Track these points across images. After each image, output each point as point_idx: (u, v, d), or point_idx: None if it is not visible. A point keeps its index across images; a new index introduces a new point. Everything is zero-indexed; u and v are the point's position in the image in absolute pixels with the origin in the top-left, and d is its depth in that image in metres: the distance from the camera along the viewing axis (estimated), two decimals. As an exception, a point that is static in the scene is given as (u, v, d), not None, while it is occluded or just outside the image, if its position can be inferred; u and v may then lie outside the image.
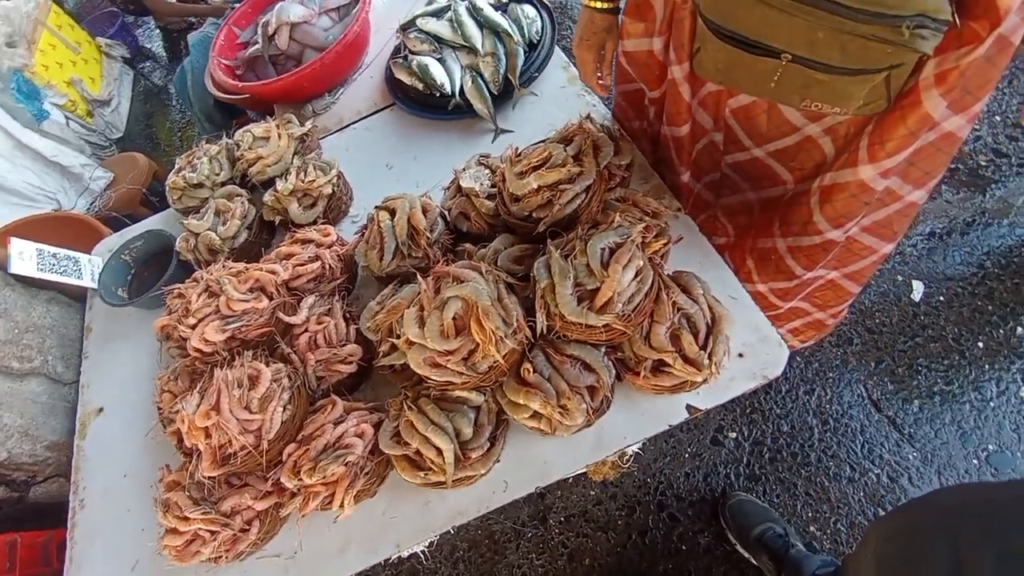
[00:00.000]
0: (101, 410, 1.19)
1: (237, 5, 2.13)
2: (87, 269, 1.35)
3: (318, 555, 0.91)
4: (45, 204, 2.23)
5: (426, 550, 1.25)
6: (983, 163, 1.72)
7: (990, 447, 1.35)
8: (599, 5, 0.95)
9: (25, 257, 1.26)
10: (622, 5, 0.99)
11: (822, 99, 0.73)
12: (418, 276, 0.86)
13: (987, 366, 1.44)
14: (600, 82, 1.08)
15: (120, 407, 1.19)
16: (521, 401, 0.82)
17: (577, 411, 0.81)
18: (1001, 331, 1.48)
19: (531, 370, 0.84)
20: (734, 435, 1.48)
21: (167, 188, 1.33)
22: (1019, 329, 1.47)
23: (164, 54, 3.50)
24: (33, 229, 1.43)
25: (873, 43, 0.61)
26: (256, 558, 0.93)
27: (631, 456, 1.39)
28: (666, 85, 0.99)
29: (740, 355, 0.91)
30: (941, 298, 1.55)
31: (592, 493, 1.49)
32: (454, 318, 0.79)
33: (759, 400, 1.51)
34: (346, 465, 0.85)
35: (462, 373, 0.80)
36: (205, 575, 0.93)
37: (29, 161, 2.24)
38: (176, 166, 1.36)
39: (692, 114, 1.00)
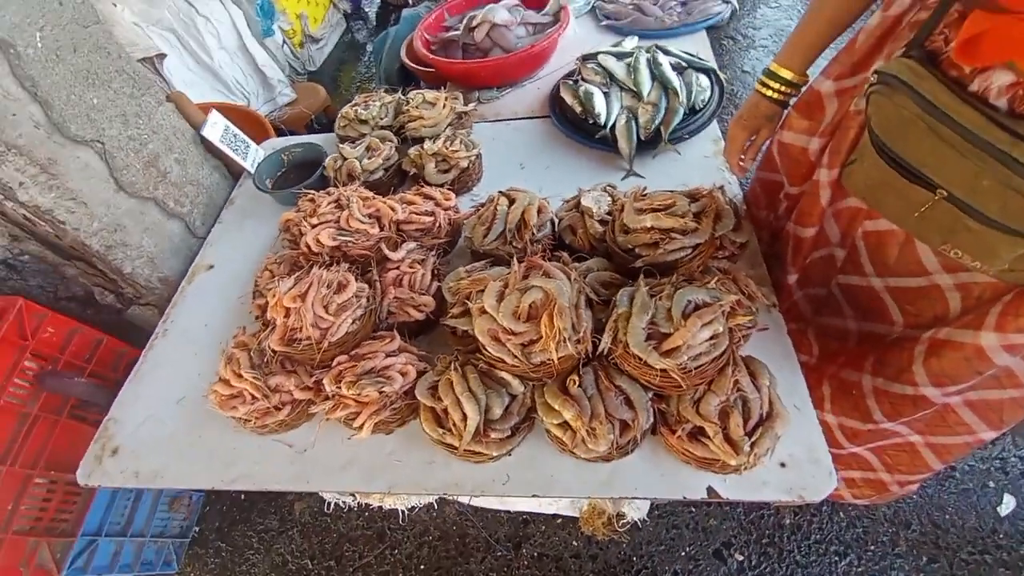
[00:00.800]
0: (212, 267, 1.38)
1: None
2: (251, 155, 1.59)
3: (323, 461, 0.98)
4: (239, 98, 2.64)
5: (406, 511, 1.29)
6: None
7: None
8: (769, 93, 0.98)
9: (216, 127, 1.51)
10: (791, 101, 1.01)
11: (965, 248, 0.70)
12: (513, 259, 0.92)
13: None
14: (741, 163, 1.10)
15: (227, 269, 1.36)
16: (557, 407, 0.85)
17: (603, 438, 0.82)
18: (1098, 597, 1.25)
19: (577, 383, 0.86)
20: (741, 558, 1.37)
21: (338, 115, 1.54)
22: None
23: (375, 20, 4.01)
24: (228, 112, 1.70)
25: None
26: (273, 439, 1.02)
27: (629, 524, 1.34)
28: (808, 185, 0.99)
29: (782, 464, 0.87)
30: (1033, 527, 1.35)
31: (575, 544, 1.44)
32: (531, 305, 0.84)
33: (782, 536, 1.39)
34: (380, 393, 0.92)
35: (516, 356, 0.84)
36: (231, 431, 1.03)
37: (244, 63, 2.66)
38: (353, 101, 1.56)
39: (822, 221, 0.99)
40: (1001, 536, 1.34)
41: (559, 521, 1.47)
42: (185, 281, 1.36)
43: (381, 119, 1.50)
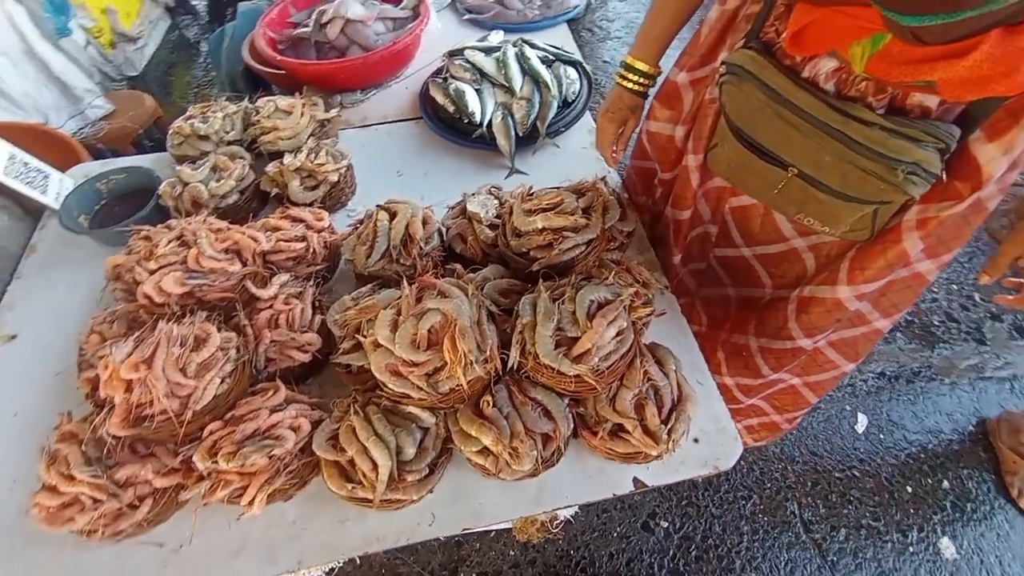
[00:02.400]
0: (14, 337, 1.09)
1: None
2: (54, 188, 1.28)
3: (207, 554, 0.82)
4: (34, 115, 2.13)
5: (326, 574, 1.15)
6: (936, 322, 1.86)
7: (905, 593, 1.36)
8: (629, 85, 1.01)
9: (-6, 157, 1.18)
10: (651, 92, 1.06)
11: (815, 216, 0.78)
12: (403, 281, 0.84)
13: (912, 511, 1.48)
14: (613, 154, 1.13)
15: (35, 338, 1.08)
16: (473, 433, 0.79)
17: (527, 456, 0.78)
18: (929, 480, 1.53)
19: (491, 403, 0.81)
20: (666, 524, 1.46)
21: (170, 131, 1.30)
22: (945, 483, 1.53)
23: (207, 14, 3.51)
24: (13, 134, 1.35)
25: (870, 177, 0.66)
26: (136, 542, 0.83)
27: (562, 522, 1.34)
28: (678, 170, 1.04)
29: (695, 440, 0.91)
30: (882, 436, 1.61)
31: (511, 554, 1.41)
32: (429, 331, 0.77)
33: (697, 494, 1.50)
34: (270, 458, 0.79)
35: (421, 388, 0.77)
36: (70, 547, 0.82)
37: (33, 71, 2.16)
38: (187, 113, 1.33)
39: (695, 202, 1.06)
40: (861, 451, 1.58)
41: (492, 535, 1.43)
42: (-23, 360, 1.05)
43: (227, 133, 1.30)
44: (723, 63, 0.78)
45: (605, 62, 2.89)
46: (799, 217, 0.80)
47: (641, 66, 0.97)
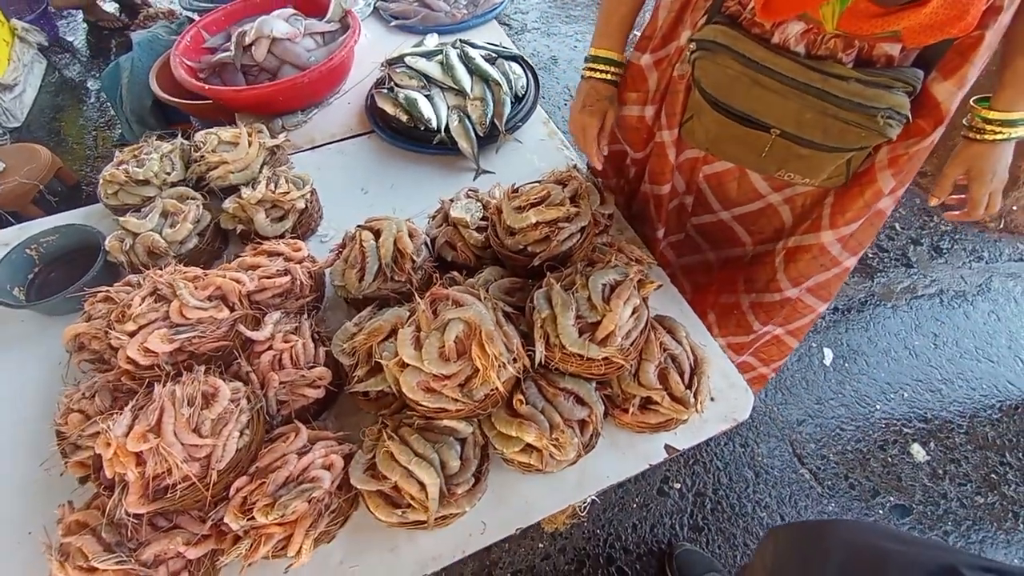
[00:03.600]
0: (-35, 435, 0.95)
1: (192, 12, 2.05)
2: (-28, 263, 1.13)
3: (257, 614, 0.77)
4: (-95, 187, 1.85)
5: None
6: (870, 255, 2.06)
7: (891, 498, 1.51)
8: (604, 76, 1.00)
9: None
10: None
11: (796, 170, 0.85)
12: (415, 297, 0.82)
13: (884, 426, 1.65)
14: (599, 151, 1.06)
15: (-7, 432, 0.96)
16: (514, 433, 0.79)
17: (570, 445, 0.80)
18: (892, 396, 1.71)
19: (523, 401, 0.82)
20: (678, 486, 1.53)
21: (101, 181, 1.18)
22: (905, 395, 1.72)
23: (87, 49, 3.19)
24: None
25: (851, 127, 0.73)
26: (171, 622, 0.76)
27: (588, 504, 1.37)
28: (652, 147, 1.08)
29: (712, 399, 0.96)
30: (847, 364, 1.77)
31: (540, 546, 1.43)
32: (455, 341, 0.76)
33: (700, 451, 1.59)
34: (310, 502, 0.75)
35: (457, 400, 0.76)
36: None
37: None
38: (116, 159, 1.21)
39: (672, 176, 1.11)
40: (833, 381, 1.73)
41: (518, 532, 1.43)
42: (-76, 471, 0.91)
43: (167, 174, 1.20)
44: (692, 40, 0.82)
45: (531, 54, 2.94)
46: (780, 174, 0.86)
47: (611, 55, 0.98)
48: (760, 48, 0.74)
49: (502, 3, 1.87)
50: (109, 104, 2.46)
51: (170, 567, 0.73)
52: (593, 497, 1.38)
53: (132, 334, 0.82)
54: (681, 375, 0.87)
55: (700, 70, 0.82)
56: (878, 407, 1.68)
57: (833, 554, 0.66)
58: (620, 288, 0.83)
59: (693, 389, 0.86)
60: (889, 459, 1.57)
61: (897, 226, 2.16)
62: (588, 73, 1.01)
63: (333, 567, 0.81)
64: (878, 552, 0.64)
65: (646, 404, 0.87)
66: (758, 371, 1.33)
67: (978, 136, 0.79)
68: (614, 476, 0.89)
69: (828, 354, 1.79)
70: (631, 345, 0.81)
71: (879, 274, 2.01)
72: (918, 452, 1.58)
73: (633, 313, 0.83)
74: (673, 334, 0.92)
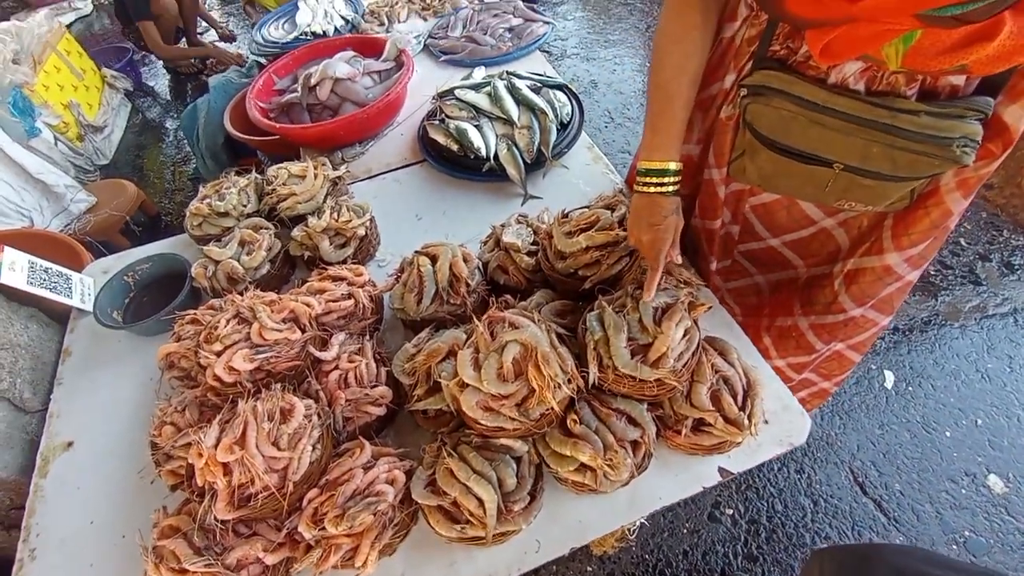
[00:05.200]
0: (70, 444, 1.06)
1: (260, 58, 2.24)
2: (77, 288, 1.27)
3: (325, 621, 0.81)
4: (16, 220, 2.10)
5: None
6: (932, 272, 1.96)
7: (967, 533, 1.41)
8: (669, 190, 0.89)
9: (16, 268, 1.17)
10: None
11: (858, 199, 0.85)
12: (474, 319, 0.87)
13: (955, 455, 1.55)
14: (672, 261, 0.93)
15: (93, 442, 1.06)
16: (568, 452, 0.82)
17: (623, 465, 0.81)
18: (964, 423, 1.61)
19: (577, 421, 0.84)
20: (731, 512, 1.48)
21: (188, 214, 1.30)
22: (978, 421, 1.61)
23: (167, 93, 3.53)
24: (19, 241, 1.34)
25: (923, 157, 0.73)
26: (249, 624, 0.81)
27: (636, 528, 1.36)
28: (701, 183, 1.10)
29: (766, 422, 0.95)
30: (910, 388, 1.69)
31: (589, 569, 1.42)
32: (512, 362, 0.80)
33: (753, 477, 1.54)
34: (375, 514, 0.80)
35: (514, 419, 0.79)
36: (183, 644, 0.80)
37: (11, 176, 2.13)
38: (200, 194, 1.34)
39: (722, 210, 1.12)
40: (895, 406, 1.65)
41: (567, 555, 1.43)
42: (37, 475, 1.02)
43: (244, 206, 1.31)
44: (742, 86, 0.84)
45: (572, 80, 3.01)
46: (840, 203, 0.86)
47: (675, 166, 0.89)
48: (818, 89, 0.75)
49: (545, 34, 1.95)
50: (185, 142, 2.70)
51: (250, 572, 0.79)
52: (642, 521, 1.37)
53: (219, 354, 0.91)
54: (734, 397, 0.87)
55: (752, 113, 0.84)
56: (947, 434, 1.58)
57: None
58: (671, 310, 0.85)
59: (747, 411, 0.86)
60: (962, 490, 1.47)
61: (962, 241, 2.05)
62: (650, 189, 0.90)
63: (395, 579, 0.85)
64: None
65: (699, 426, 0.87)
66: (819, 386, 1.29)
67: None
68: (667, 498, 0.89)
69: (889, 377, 1.71)
70: (683, 367, 0.83)
71: (943, 292, 1.91)
72: (996, 483, 1.47)
73: (685, 335, 0.84)
74: (725, 356, 0.92)
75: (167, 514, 0.83)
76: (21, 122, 2.33)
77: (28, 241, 1.77)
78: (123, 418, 1.08)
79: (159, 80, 3.62)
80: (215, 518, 0.76)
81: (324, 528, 0.78)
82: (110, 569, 0.90)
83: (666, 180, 0.89)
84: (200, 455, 0.78)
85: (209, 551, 0.77)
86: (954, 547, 1.39)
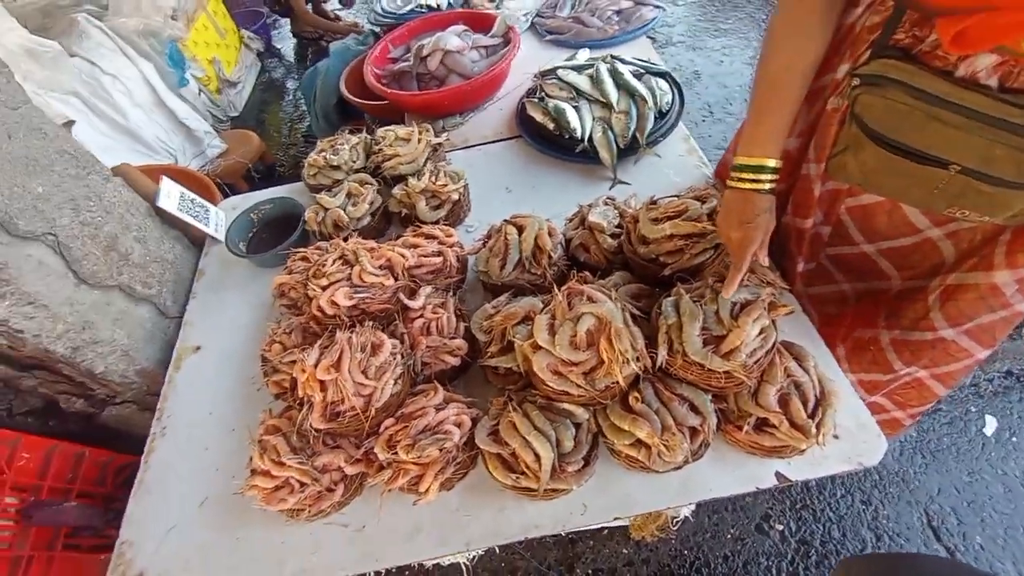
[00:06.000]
0: (199, 348, 1.26)
1: (376, 27, 2.38)
2: (213, 219, 1.47)
3: (388, 534, 0.92)
4: (165, 157, 2.43)
5: (468, 564, 1.24)
6: (1066, 316, 1.73)
7: (1055, 606, 1.28)
8: (766, 187, 0.86)
9: (171, 196, 1.38)
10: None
11: (974, 207, 0.78)
12: (554, 288, 0.92)
13: (1055, 520, 1.39)
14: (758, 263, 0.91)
15: (216, 349, 1.25)
16: (626, 427, 0.85)
17: (679, 448, 0.83)
18: (1073, 487, 1.43)
19: (639, 399, 0.87)
20: (781, 527, 1.44)
21: (306, 164, 1.46)
22: (1093, 490, 1.43)
23: (291, 56, 3.85)
24: (173, 175, 1.57)
25: None
26: (324, 523, 0.94)
27: (680, 520, 1.37)
28: (797, 180, 1.05)
29: (836, 436, 0.92)
30: (1014, 439, 1.52)
31: (625, 552, 1.45)
32: (585, 332, 0.84)
33: (811, 497, 1.48)
34: (441, 451, 0.88)
35: (580, 386, 0.84)
36: (272, 525, 0.95)
37: (163, 118, 2.46)
38: (318, 147, 1.49)
39: (815, 209, 1.06)
40: (991, 455, 1.50)
41: (605, 533, 1.47)
42: (172, 369, 1.23)
43: (354, 162, 1.44)
44: (855, 75, 0.80)
45: (674, 69, 2.91)
46: (951, 211, 0.80)
47: (773, 163, 0.86)
48: (942, 82, 0.70)
49: (654, 19, 1.91)
50: (303, 101, 2.95)
51: (332, 477, 0.91)
52: (687, 515, 1.38)
53: (324, 288, 1.03)
54: (804, 403, 0.86)
55: (862, 105, 0.79)
56: (1050, 495, 1.42)
57: None
58: (751, 307, 0.84)
59: (816, 420, 0.84)
60: (1057, 557, 1.33)
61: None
62: (746, 185, 0.87)
63: (451, 511, 0.93)
64: None
65: (762, 426, 0.87)
66: (892, 415, 1.21)
67: None
68: (717, 490, 0.90)
69: (991, 423, 1.55)
70: (755, 363, 0.83)
71: (1077, 340, 1.68)
72: (1101, 557, 1.31)
73: (761, 333, 0.84)
74: (801, 362, 0.90)
75: (272, 415, 0.97)
76: (175, 72, 2.66)
77: (176, 175, 2.05)
78: (241, 333, 1.26)
79: (285, 43, 3.95)
80: (311, 425, 0.88)
81: (396, 453, 0.88)
82: (221, 453, 1.07)
83: (763, 177, 0.86)
84: (303, 371, 0.90)
85: (302, 452, 0.90)
86: (1036, 616, 1.27)
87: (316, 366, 0.90)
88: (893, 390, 1.16)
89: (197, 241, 1.51)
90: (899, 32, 0.76)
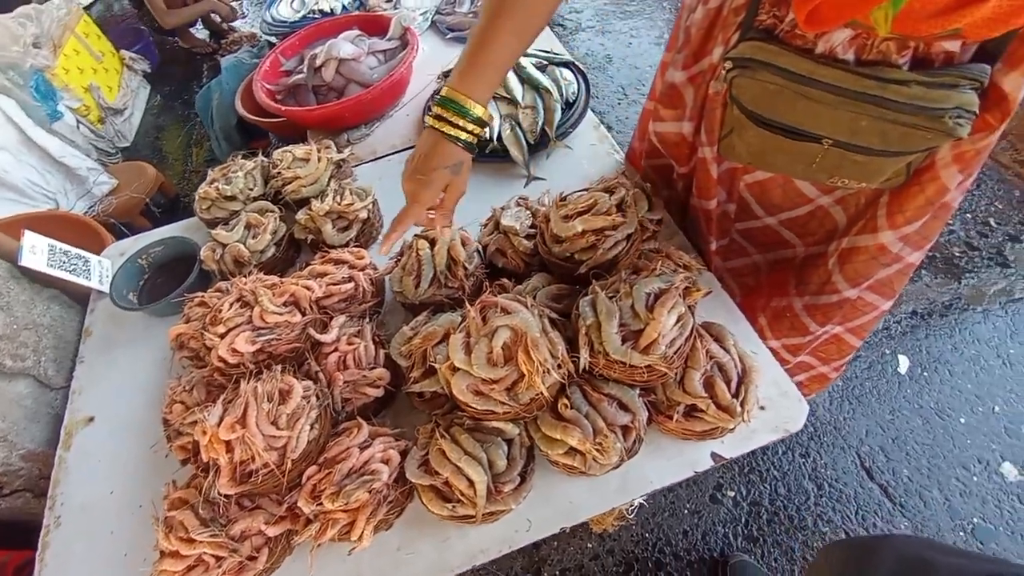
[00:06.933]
0: (91, 419, 1.12)
1: (272, 37, 2.23)
2: (96, 270, 1.32)
3: (325, 589, 0.86)
4: (42, 203, 2.18)
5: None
6: (957, 254, 1.89)
7: (975, 520, 1.39)
8: (465, 136, 0.77)
9: (37, 251, 1.22)
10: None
11: (851, 176, 0.81)
12: (466, 304, 0.87)
13: (969, 441, 1.51)
14: (430, 220, 0.84)
15: (112, 417, 1.12)
16: (558, 436, 0.83)
17: (613, 450, 0.82)
18: (980, 409, 1.56)
19: (568, 405, 0.85)
20: (732, 494, 1.49)
21: (197, 198, 1.33)
22: (996, 408, 1.56)
23: (184, 74, 3.56)
24: (39, 224, 1.39)
25: (915, 131, 0.69)
26: (255, 590, 0.86)
27: (635, 507, 1.38)
28: (695, 163, 1.07)
29: (762, 408, 0.95)
30: (925, 373, 1.64)
31: (589, 546, 1.45)
32: (502, 347, 0.81)
33: (756, 460, 1.54)
34: (370, 492, 0.82)
35: (503, 403, 0.80)
36: (195, 606, 0.86)
37: (35, 159, 2.20)
38: (209, 177, 1.37)
39: (716, 189, 1.09)
40: (908, 391, 1.61)
41: (568, 531, 1.46)
42: (61, 447, 1.09)
43: (250, 190, 1.33)
44: (727, 59, 0.81)
45: (586, 54, 2.93)
46: (832, 181, 0.83)
47: (479, 111, 0.76)
48: (804, 60, 0.72)
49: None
50: (202, 123, 2.74)
51: (253, 543, 0.83)
52: (641, 501, 1.39)
53: (222, 336, 0.94)
54: (728, 383, 0.86)
55: (737, 88, 0.80)
56: (962, 420, 1.54)
57: (883, 565, 0.65)
58: (664, 296, 0.84)
59: (740, 398, 0.85)
60: (974, 477, 1.45)
61: (992, 221, 1.96)
62: (436, 124, 0.76)
63: (391, 553, 0.88)
64: (927, 563, 0.62)
65: (691, 412, 0.87)
66: (818, 370, 1.27)
67: None
68: (658, 481, 0.90)
69: (904, 362, 1.67)
70: (675, 353, 0.82)
71: (968, 275, 1.84)
72: (1009, 471, 1.44)
73: (678, 321, 0.83)
74: (721, 342, 0.91)
75: (176, 487, 0.87)
76: (43, 106, 2.39)
77: (53, 224, 1.85)
78: (139, 395, 1.14)
79: (176, 61, 3.65)
80: (218, 492, 0.79)
81: (321, 504, 0.81)
82: (128, 536, 0.96)
83: (462, 123, 0.75)
84: (204, 433, 0.81)
85: (215, 523, 0.82)
86: (961, 534, 1.38)
87: (219, 425, 0.82)
88: (815, 348, 1.22)
89: (80, 297, 1.35)
90: (761, 13, 0.78)
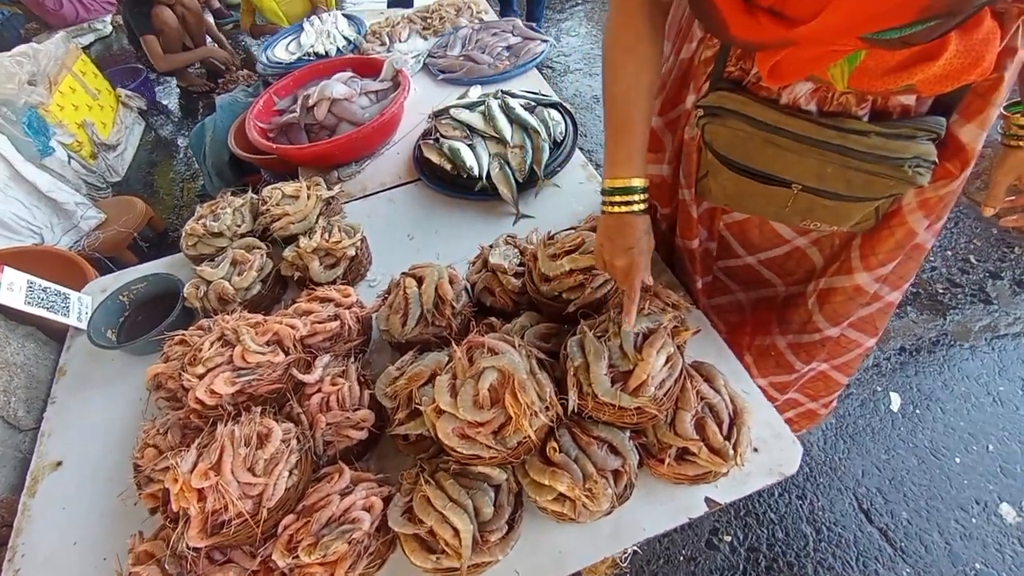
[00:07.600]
0: (59, 464, 1.07)
1: (269, 78, 2.29)
2: (75, 307, 1.29)
3: (299, 652, 0.80)
4: (27, 237, 2.15)
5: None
6: (940, 290, 1.91)
7: (977, 566, 1.35)
8: (638, 208, 0.83)
9: (15, 288, 1.20)
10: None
11: (822, 219, 0.83)
12: (452, 344, 0.86)
13: (965, 482, 1.49)
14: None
15: (81, 462, 1.07)
16: (546, 482, 0.80)
17: (603, 496, 0.79)
18: (975, 448, 1.55)
19: (557, 449, 0.82)
20: (729, 539, 1.44)
21: (184, 234, 1.32)
22: (990, 447, 1.55)
23: (178, 111, 3.62)
24: (20, 260, 1.37)
25: (877, 178, 0.72)
26: (222, 653, 0.80)
27: (628, 555, 1.32)
28: (676, 204, 1.09)
29: (755, 450, 0.92)
30: (918, 411, 1.63)
31: (582, 597, 1.38)
32: (489, 389, 0.79)
33: (752, 502, 1.50)
34: (350, 543, 0.78)
35: (491, 447, 0.78)
36: (156, 672, 0.79)
37: (22, 194, 2.19)
38: (197, 213, 1.36)
39: (697, 229, 1.11)
40: (902, 429, 1.60)
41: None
42: (25, 494, 1.03)
43: (238, 226, 1.33)
44: (699, 107, 0.84)
45: (574, 95, 3.02)
46: (805, 223, 0.85)
47: (639, 182, 0.82)
48: (770, 110, 0.75)
49: (542, 53, 1.96)
50: (195, 159, 2.76)
51: (223, 600, 0.78)
52: (635, 548, 1.34)
53: (201, 376, 0.91)
54: (719, 425, 0.85)
55: (709, 134, 0.83)
56: (957, 460, 1.53)
57: None
58: (653, 337, 0.83)
59: (732, 440, 0.83)
60: (973, 519, 1.41)
61: (972, 259, 2.00)
62: (618, 209, 0.83)
63: (371, 608, 0.83)
64: None
65: (683, 455, 0.85)
66: (806, 407, 1.26)
67: (1020, 143, 0.75)
68: (651, 528, 0.87)
69: (896, 399, 1.66)
70: (665, 395, 0.81)
71: (952, 311, 1.86)
72: (1008, 512, 1.41)
73: (667, 362, 0.82)
74: (711, 382, 0.90)
75: (143, 539, 0.82)
76: (34, 141, 2.40)
77: (35, 258, 1.82)
78: (112, 438, 1.09)
79: (172, 99, 3.72)
80: (187, 545, 0.75)
81: (298, 556, 0.77)
82: (90, 592, 0.90)
83: (634, 198, 0.82)
84: (175, 480, 0.78)
85: (182, 579, 0.77)
86: (964, 580, 1.34)
87: (192, 471, 0.78)
88: (803, 385, 1.22)
89: (58, 334, 1.32)
90: (729, 65, 0.81)
